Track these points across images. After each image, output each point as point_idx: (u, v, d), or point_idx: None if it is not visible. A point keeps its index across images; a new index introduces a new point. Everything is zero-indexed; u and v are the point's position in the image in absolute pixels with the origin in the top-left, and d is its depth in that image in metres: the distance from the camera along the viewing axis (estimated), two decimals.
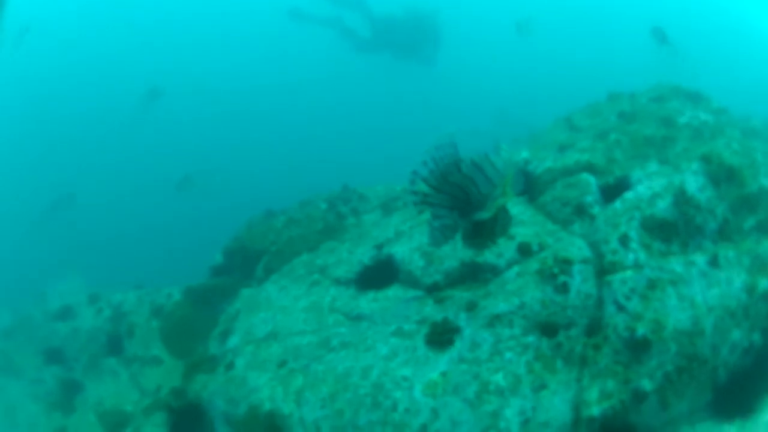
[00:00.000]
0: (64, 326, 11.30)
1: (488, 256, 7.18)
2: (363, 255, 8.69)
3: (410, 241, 8.20)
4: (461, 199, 5.33)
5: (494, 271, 7.09)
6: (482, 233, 5.43)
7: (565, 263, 6.50)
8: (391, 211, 10.48)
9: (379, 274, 8.17)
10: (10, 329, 11.83)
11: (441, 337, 6.47)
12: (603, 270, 6.58)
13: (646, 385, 5.81)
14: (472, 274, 7.25)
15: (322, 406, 6.46)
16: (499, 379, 5.84)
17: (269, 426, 6.75)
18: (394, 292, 7.78)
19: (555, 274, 6.45)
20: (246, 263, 10.85)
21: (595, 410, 5.65)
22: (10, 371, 10.75)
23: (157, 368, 9.94)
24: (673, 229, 6.95)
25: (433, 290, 7.42)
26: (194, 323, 10.21)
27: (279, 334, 7.89)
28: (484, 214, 5.18)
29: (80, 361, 10.66)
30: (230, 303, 9.60)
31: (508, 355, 6.04)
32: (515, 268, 6.93)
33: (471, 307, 6.61)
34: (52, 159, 25.36)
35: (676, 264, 6.55)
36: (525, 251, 7.07)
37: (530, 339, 6.11)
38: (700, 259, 6.74)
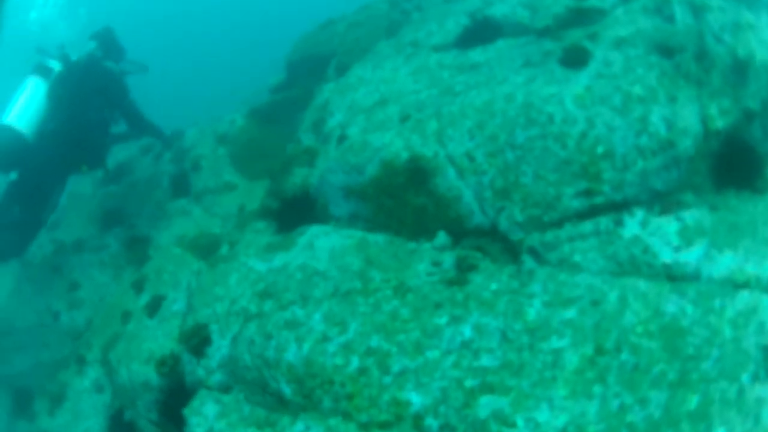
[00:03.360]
0: (118, 187, 10.44)
1: (592, 1, 6.92)
2: (455, 24, 7.85)
3: (506, 4, 7.59)
4: None
5: (601, 13, 6.74)
6: None
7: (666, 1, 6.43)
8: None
9: (482, 32, 7.42)
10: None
11: (574, 56, 6.14)
12: (695, 8, 6.45)
13: (753, 105, 5.85)
14: (579, 18, 6.84)
15: (470, 138, 5.81)
16: (638, 90, 5.61)
17: (413, 171, 5.99)
18: (503, 43, 7.14)
19: (659, 8, 6.38)
20: (311, 73, 10.11)
21: (719, 123, 5.64)
22: (66, 253, 9.87)
23: (232, 193, 9.22)
24: None
25: (545, 33, 6.89)
26: (264, 142, 9.57)
27: (390, 99, 7.01)
28: None
29: (143, 214, 9.86)
30: (302, 113, 8.71)
31: (640, 70, 5.76)
32: (620, 8, 6.67)
33: (593, 36, 6.30)
34: None
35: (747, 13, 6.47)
36: None
37: (653, 59, 5.90)
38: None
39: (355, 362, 4.86)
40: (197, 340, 6.12)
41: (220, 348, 5.96)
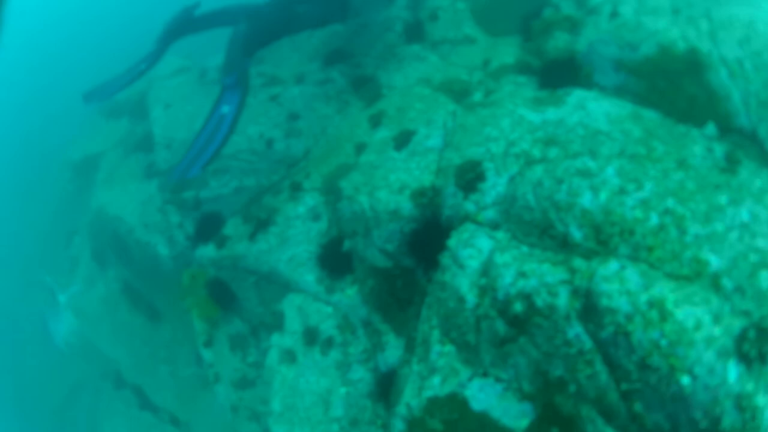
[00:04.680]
0: (345, 27, 10.75)
1: None
2: None
3: None
4: None
5: None
6: None
7: None
8: None
9: None
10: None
11: None
12: None
13: None
14: None
15: (740, 46, 6.42)
16: None
17: (688, 62, 6.63)
18: None
19: None
20: None
21: None
22: (285, 84, 10.08)
23: (473, 47, 9.48)
24: None
25: None
26: (507, 2, 9.44)
27: None
28: None
29: (371, 55, 10.03)
30: None
31: None
32: None
33: None
34: None
35: None
36: None
37: None
38: None
39: (654, 218, 5.57)
40: (472, 176, 6.69)
41: (495, 186, 6.53)
